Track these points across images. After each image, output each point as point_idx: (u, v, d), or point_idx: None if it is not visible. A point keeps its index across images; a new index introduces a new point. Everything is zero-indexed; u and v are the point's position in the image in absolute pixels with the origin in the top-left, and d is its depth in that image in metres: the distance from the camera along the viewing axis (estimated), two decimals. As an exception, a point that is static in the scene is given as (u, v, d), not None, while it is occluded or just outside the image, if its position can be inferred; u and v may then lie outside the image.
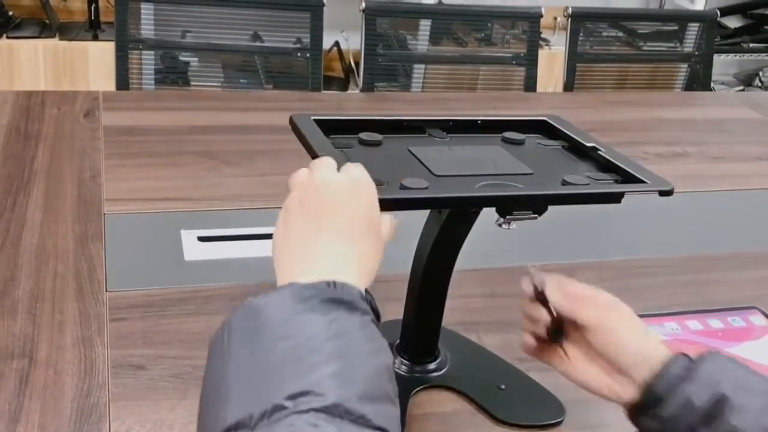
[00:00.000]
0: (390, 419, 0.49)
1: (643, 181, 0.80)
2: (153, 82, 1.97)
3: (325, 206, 0.61)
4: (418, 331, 0.91)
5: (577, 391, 0.94)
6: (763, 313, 1.11)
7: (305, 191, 0.63)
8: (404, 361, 0.92)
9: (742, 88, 3.93)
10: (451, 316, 0.94)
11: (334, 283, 0.54)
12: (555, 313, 0.76)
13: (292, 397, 0.47)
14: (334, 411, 0.46)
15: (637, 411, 0.70)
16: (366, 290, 0.58)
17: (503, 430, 0.88)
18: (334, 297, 0.53)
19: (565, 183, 0.79)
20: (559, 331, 0.77)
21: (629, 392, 0.71)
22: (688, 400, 0.66)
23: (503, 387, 0.93)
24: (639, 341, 0.72)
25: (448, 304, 0.90)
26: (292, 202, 0.63)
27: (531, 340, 0.79)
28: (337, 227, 0.60)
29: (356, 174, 0.64)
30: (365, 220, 0.62)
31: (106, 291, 1.02)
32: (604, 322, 0.73)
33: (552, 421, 0.89)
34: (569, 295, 0.75)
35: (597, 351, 0.73)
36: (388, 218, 0.66)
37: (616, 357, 0.72)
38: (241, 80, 2.15)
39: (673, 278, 1.22)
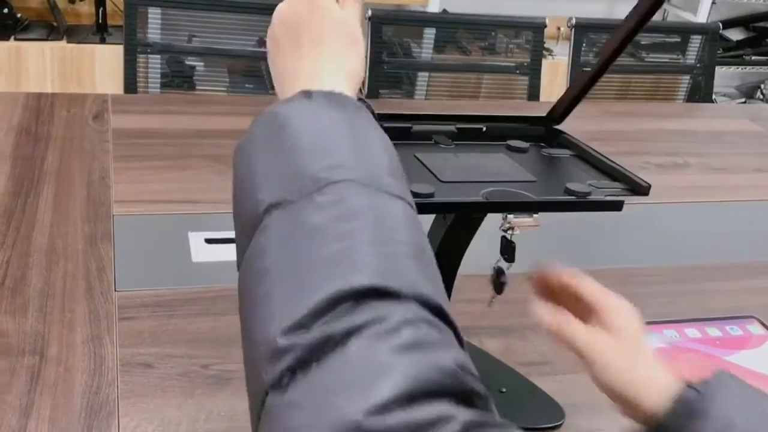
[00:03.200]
0: (408, 194, 0.53)
1: (639, 187, 0.82)
2: (159, 85, 1.99)
3: (326, 36, 0.62)
4: (422, 334, 0.93)
5: (576, 395, 0.96)
6: (761, 323, 1.12)
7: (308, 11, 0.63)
8: (407, 363, 0.94)
9: (743, 100, 3.95)
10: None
11: (334, 92, 0.57)
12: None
13: (327, 169, 0.49)
14: (365, 181, 0.50)
15: None
16: (359, 98, 0.60)
17: (504, 433, 0.90)
18: (341, 99, 0.56)
19: (567, 191, 0.81)
20: None
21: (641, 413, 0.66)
22: None
23: (504, 390, 0.94)
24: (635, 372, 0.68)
25: (451, 308, 0.91)
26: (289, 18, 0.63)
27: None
28: (340, 62, 0.61)
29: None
30: (350, 41, 0.63)
31: (115, 291, 1.04)
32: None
33: (551, 425, 0.91)
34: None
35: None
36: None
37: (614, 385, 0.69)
38: (247, 85, 2.17)
39: (672, 287, 1.24)
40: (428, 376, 0.40)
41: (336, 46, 0.61)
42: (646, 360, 0.69)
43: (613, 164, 0.87)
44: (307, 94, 0.55)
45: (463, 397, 0.41)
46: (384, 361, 0.40)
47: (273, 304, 0.45)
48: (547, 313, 0.73)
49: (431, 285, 0.47)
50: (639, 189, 0.83)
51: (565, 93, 0.92)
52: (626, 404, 0.68)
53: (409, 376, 0.39)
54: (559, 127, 0.96)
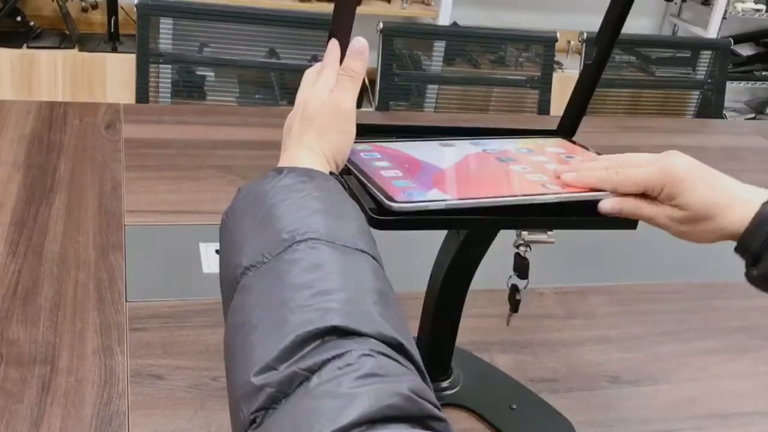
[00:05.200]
0: (374, 250, 0.58)
1: None
2: (170, 95, 2.00)
3: (306, 122, 0.70)
4: (433, 349, 0.93)
5: (587, 412, 0.96)
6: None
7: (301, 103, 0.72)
8: (418, 378, 0.94)
9: (753, 115, 3.95)
10: (465, 336, 0.96)
11: (303, 167, 0.64)
12: None
13: (293, 231, 0.56)
14: (330, 238, 0.56)
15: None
16: (330, 172, 0.67)
17: (514, 450, 0.89)
18: (308, 173, 0.63)
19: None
20: None
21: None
22: None
23: (515, 407, 0.94)
24: (711, 196, 0.77)
25: (462, 323, 0.92)
26: (295, 111, 0.73)
27: None
28: (315, 141, 0.70)
29: (335, 99, 0.71)
30: (340, 134, 0.71)
31: (126, 301, 1.04)
32: (673, 212, 0.77)
33: (562, 442, 0.91)
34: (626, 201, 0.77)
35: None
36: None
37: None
38: (257, 96, 2.18)
39: (684, 304, 1.23)
40: (386, 402, 0.44)
41: (318, 129, 0.69)
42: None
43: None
44: (279, 170, 0.63)
45: (420, 419, 0.45)
46: (346, 391, 0.45)
47: (249, 352, 0.50)
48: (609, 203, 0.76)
49: (392, 325, 0.51)
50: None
51: (572, 94, 0.92)
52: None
53: (369, 402, 0.44)
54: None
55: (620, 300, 1.22)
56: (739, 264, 0.78)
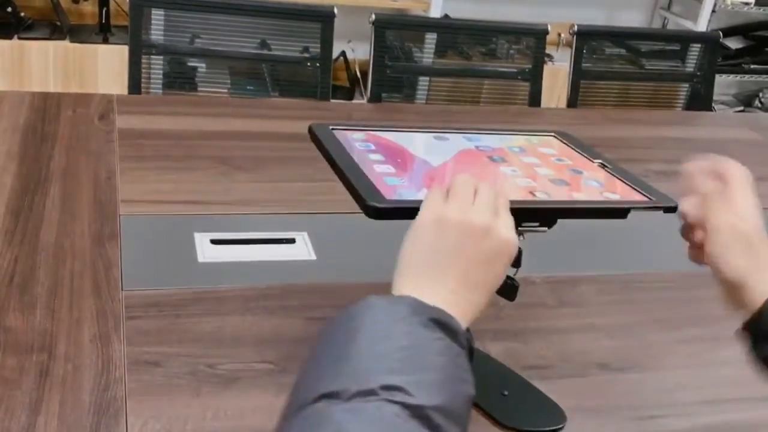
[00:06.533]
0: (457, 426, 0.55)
1: (649, 198, 0.83)
2: (161, 86, 2.00)
3: (469, 253, 0.67)
4: (426, 336, 0.94)
5: (578, 399, 0.97)
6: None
7: (450, 216, 0.68)
8: (411, 365, 0.95)
9: (741, 108, 3.97)
10: (458, 323, 0.97)
11: (446, 312, 0.61)
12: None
13: (387, 388, 0.53)
14: (415, 411, 0.52)
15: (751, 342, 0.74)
16: (467, 329, 0.64)
17: (506, 435, 0.91)
18: (444, 321, 0.60)
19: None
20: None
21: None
22: None
23: (506, 393, 0.95)
24: (743, 262, 0.76)
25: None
26: (435, 216, 0.68)
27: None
28: (467, 276, 0.66)
29: (506, 233, 0.69)
30: (495, 281, 0.69)
31: (122, 290, 1.05)
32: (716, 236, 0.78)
33: (553, 428, 0.92)
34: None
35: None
36: None
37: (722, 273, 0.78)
38: (248, 87, 2.18)
39: (673, 293, 1.25)
40: None
41: (471, 266, 0.66)
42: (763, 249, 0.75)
43: (615, 174, 0.88)
44: (411, 302, 0.60)
45: None
46: None
47: None
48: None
49: None
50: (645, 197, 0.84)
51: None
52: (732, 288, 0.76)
53: None
54: (566, 132, 0.98)
55: (610, 289, 1.24)
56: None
